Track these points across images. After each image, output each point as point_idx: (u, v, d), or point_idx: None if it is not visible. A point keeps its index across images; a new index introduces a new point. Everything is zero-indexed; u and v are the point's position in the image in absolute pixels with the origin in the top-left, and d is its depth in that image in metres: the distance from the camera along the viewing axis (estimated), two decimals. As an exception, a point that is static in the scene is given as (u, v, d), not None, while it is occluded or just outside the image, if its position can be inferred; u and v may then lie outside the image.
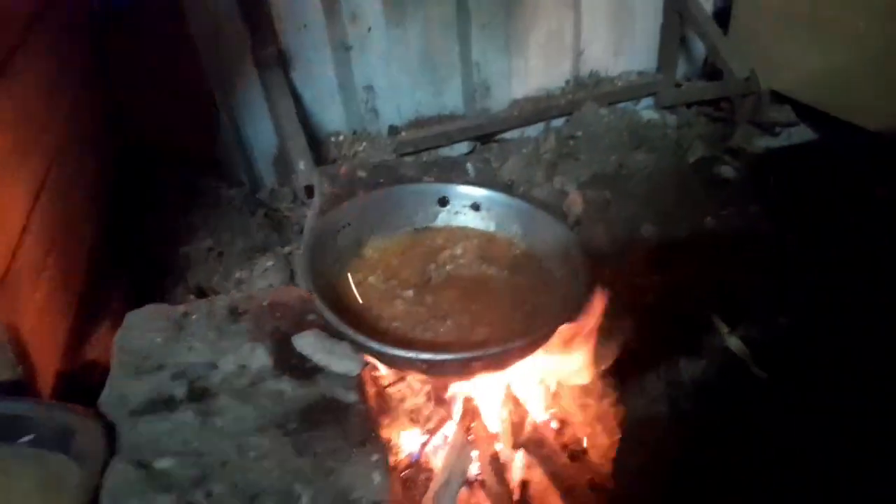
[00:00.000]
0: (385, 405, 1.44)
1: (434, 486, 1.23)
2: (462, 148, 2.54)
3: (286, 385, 1.13)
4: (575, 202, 2.03)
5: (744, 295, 1.64)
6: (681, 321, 1.49)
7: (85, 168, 1.68)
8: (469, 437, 1.31)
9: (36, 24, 1.49)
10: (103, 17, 2.02)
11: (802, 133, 2.34)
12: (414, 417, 1.46)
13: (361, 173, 1.73)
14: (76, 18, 1.87)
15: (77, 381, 1.41)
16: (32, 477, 1.02)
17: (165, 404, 1.08)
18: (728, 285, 1.65)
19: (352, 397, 1.12)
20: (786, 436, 1.28)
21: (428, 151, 2.45)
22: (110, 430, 1.03)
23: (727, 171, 2.13)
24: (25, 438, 1.06)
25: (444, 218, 1.49)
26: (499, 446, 1.38)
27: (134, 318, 1.26)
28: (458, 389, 1.40)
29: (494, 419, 1.46)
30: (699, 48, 2.86)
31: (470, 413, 1.40)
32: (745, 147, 2.26)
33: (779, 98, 2.49)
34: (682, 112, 2.73)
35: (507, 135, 2.64)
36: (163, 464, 0.99)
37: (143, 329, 1.23)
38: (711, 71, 2.85)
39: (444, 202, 1.48)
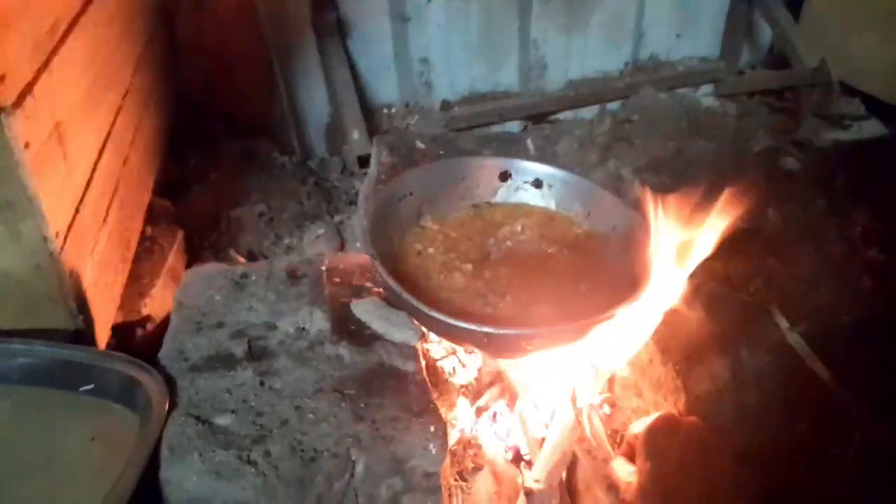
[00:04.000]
0: (436, 379, 1.43)
1: (546, 464, 1.21)
2: (514, 127, 2.50)
3: (344, 350, 1.12)
4: (631, 186, 1.98)
5: (806, 290, 1.58)
6: (743, 312, 1.44)
7: (146, 124, 1.68)
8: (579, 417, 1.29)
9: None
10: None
11: (873, 127, 2.24)
12: (464, 392, 1.45)
13: (420, 144, 1.71)
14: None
15: (131, 336, 1.42)
16: (92, 426, 1.03)
17: (225, 362, 1.08)
18: (790, 279, 1.59)
19: (410, 367, 1.11)
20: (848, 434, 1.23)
21: (480, 128, 2.42)
22: (170, 384, 1.03)
23: (792, 163, 2.05)
24: (85, 387, 1.07)
25: (503, 194, 1.46)
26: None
27: (193, 275, 1.27)
28: (512, 368, 1.38)
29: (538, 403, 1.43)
30: (765, 35, 2.76)
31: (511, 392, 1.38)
32: (812, 140, 2.18)
33: (848, 90, 2.39)
34: (743, 101, 2.65)
35: (561, 116, 2.59)
36: (222, 420, 0.99)
37: (202, 287, 1.23)
38: (776, 60, 2.76)
39: (505, 177, 1.45)
